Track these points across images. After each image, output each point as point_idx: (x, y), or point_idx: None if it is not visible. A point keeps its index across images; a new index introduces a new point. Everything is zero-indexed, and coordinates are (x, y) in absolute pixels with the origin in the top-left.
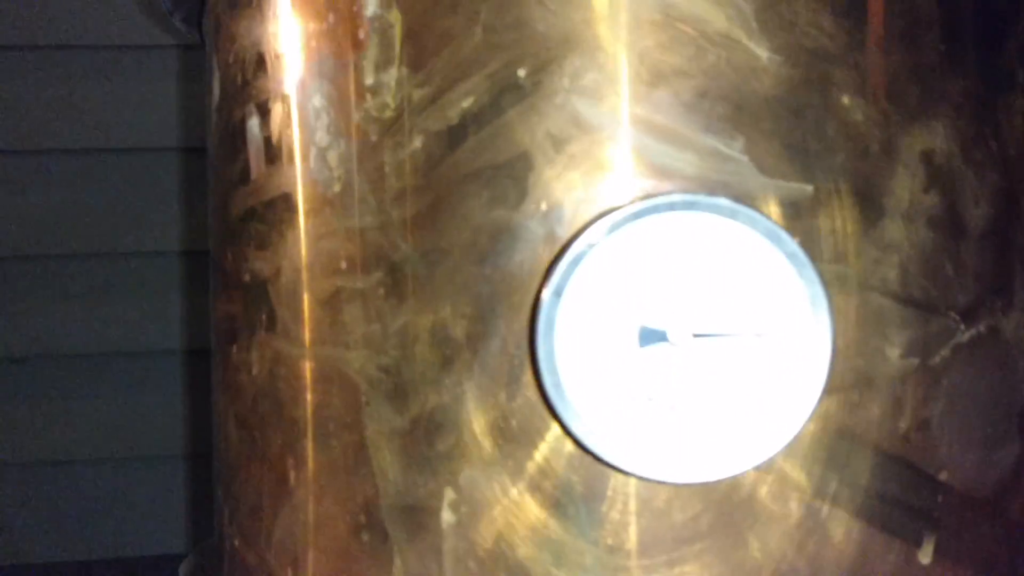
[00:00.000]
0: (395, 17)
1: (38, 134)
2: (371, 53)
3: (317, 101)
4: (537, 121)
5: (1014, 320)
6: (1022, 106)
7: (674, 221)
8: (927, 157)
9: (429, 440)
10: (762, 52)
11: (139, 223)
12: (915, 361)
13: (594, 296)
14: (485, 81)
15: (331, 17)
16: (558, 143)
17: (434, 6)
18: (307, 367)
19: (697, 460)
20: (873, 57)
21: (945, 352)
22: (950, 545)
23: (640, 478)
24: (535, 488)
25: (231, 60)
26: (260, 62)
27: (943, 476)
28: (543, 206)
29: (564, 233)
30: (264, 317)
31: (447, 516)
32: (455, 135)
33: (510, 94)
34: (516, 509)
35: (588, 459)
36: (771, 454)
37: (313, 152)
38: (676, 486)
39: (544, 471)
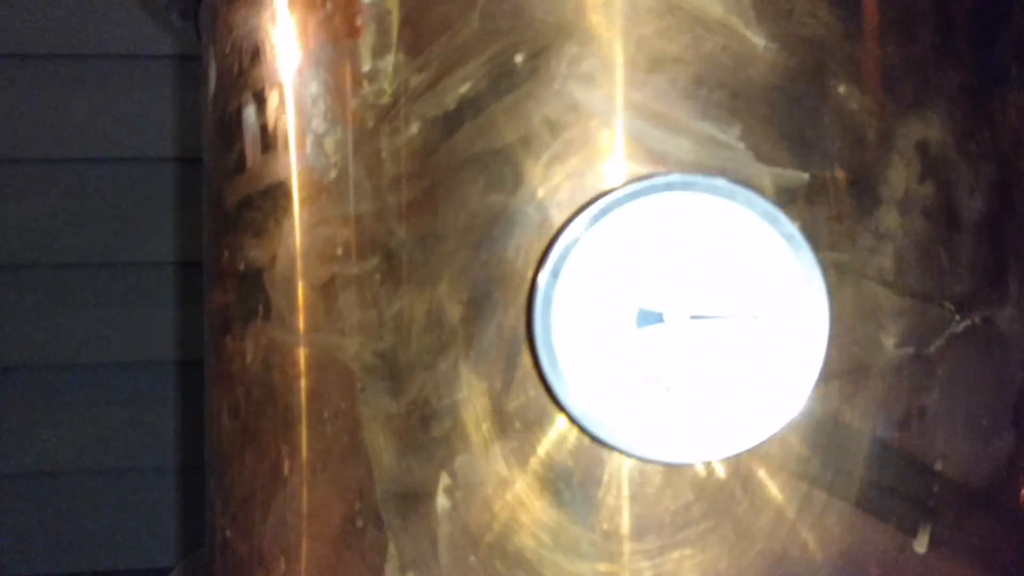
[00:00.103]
0: (392, 4)
1: (33, 143)
2: (368, 40)
3: (314, 88)
4: (534, 107)
5: (1008, 312)
6: (1016, 100)
7: (672, 202)
8: (922, 147)
9: (424, 425)
10: (759, 40)
11: (134, 233)
12: (910, 350)
13: (591, 277)
14: (482, 67)
15: (328, 5)
16: (555, 129)
17: None
18: (302, 354)
19: (693, 441)
20: (868, 47)
21: (940, 342)
22: (945, 534)
23: (637, 458)
24: (530, 473)
25: (227, 50)
26: (257, 51)
27: (938, 466)
28: (540, 192)
29: (560, 218)
30: (259, 306)
31: (442, 501)
32: (452, 121)
33: (507, 80)
34: (511, 494)
35: (583, 444)
36: (767, 435)
37: (309, 139)
38: (672, 469)
39: (539, 456)
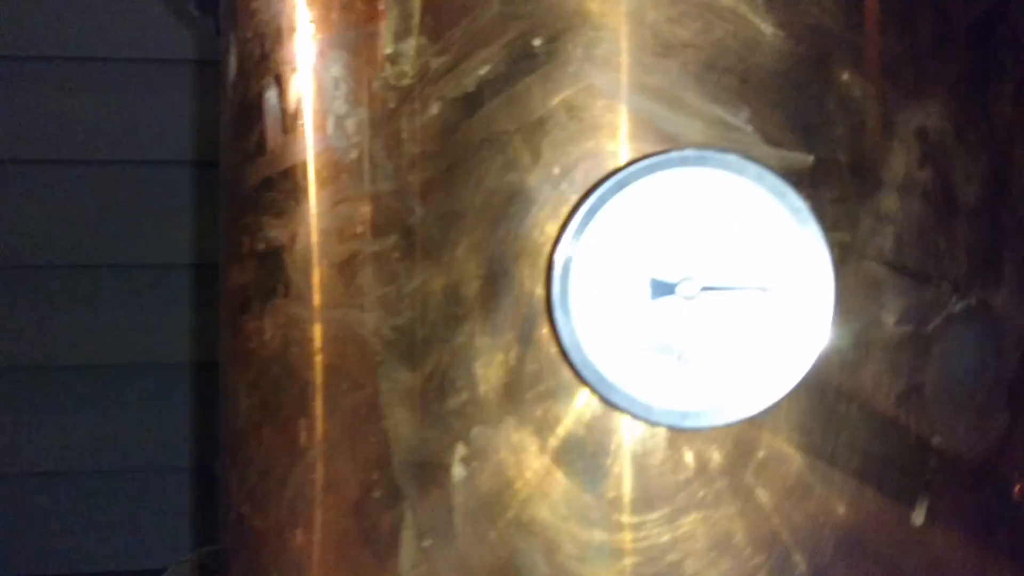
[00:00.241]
0: None
1: (52, 145)
2: (390, 24)
3: (336, 71)
4: (551, 88)
5: (1003, 295)
6: (1011, 92)
7: (686, 177)
8: (921, 134)
9: (441, 397)
10: (767, 28)
11: (151, 236)
12: (909, 328)
13: (608, 249)
14: (501, 50)
15: None
16: (571, 110)
17: None
18: (321, 330)
19: (703, 407)
20: (871, 37)
21: (938, 321)
22: (942, 507)
23: (650, 422)
24: (545, 443)
25: (249, 36)
26: (279, 35)
27: (936, 440)
28: (556, 170)
29: (575, 196)
30: (278, 284)
31: (458, 471)
32: (471, 102)
33: (525, 63)
34: (526, 463)
35: (597, 414)
36: (773, 402)
37: (331, 121)
38: (683, 437)
39: (553, 426)
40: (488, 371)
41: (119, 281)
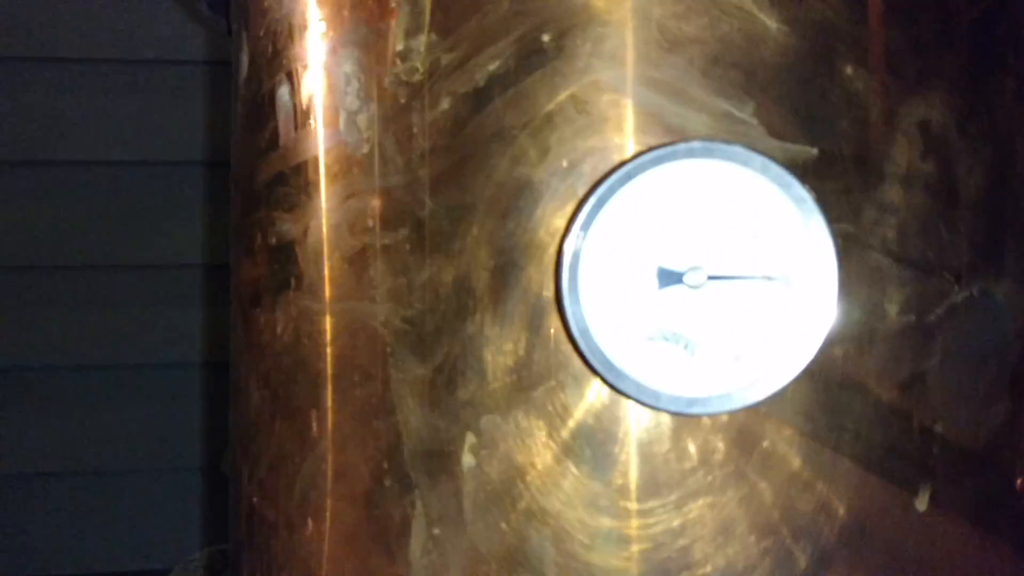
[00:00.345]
0: None
1: (63, 146)
2: (402, 20)
3: (348, 67)
4: (560, 84)
5: (1004, 286)
6: (1012, 86)
7: (693, 168)
8: (924, 126)
9: (451, 387)
10: (771, 23)
11: (163, 236)
12: (912, 318)
13: (616, 239)
14: (511, 46)
15: None
16: (579, 104)
17: None
18: (333, 322)
19: (710, 394)
20: (874, 31)
21: (940, 311)
22: (945, 494)
23: (658, 409)
24: (553, 431)
25: (262, 33)
26: (290, 33)
27: (938, 428)
28: (564, 163)
29: (584, 189)
30: (291, 277)
31: (468, 459)
32: (481, 97)
33: (534, 58)
34: (535, 451)
35: (605, 402)
36: (779, 389)
37: (343, 116)
38: (694, 425)
39: (562, 415)
40: (497, 361)
41: (131, 281)
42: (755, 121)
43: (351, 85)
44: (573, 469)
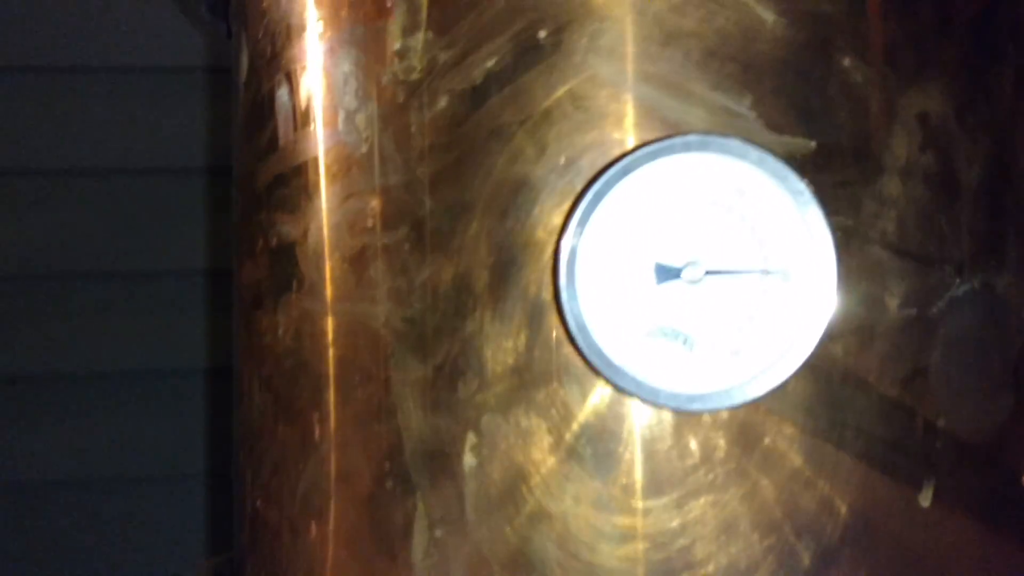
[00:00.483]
0: None
1: (65, 154)
2: (399, 19)
3: (346, 67)
4: (557, 80)
5: (1006, 278)
6: (1011, 77)
7: (688, 162)
8: (923, 118)
9: (452, 387)
10: (768, 15)
11: (164, 243)
12: (913, 311)
13: (614, 234)
14: (508, 43)
15: None
16: (577, 100)
17: None
18: (333, 323)
19: (710, 390)
20: (872, 22)
21: (941, 304)
22: (949, 489)
23: (657, 406)
24: (554, 430)
25: (261, 35)
26: (289, 34)
27: (941, 423)
28: (562, 160)
29: (581, 185)
30: (291, 279)
31: (469, 459)
32: (479, 94)
33: (531, 55)
34: (536, 450)
35: (605, 400)
36: (779, 384)
37: (341, 116)
38: (696, 421)
39: (563, 413)
40: (498, 360)
41: (133, 288)
42: (753, 114)
43: (349, 85)
44: (574, 467)
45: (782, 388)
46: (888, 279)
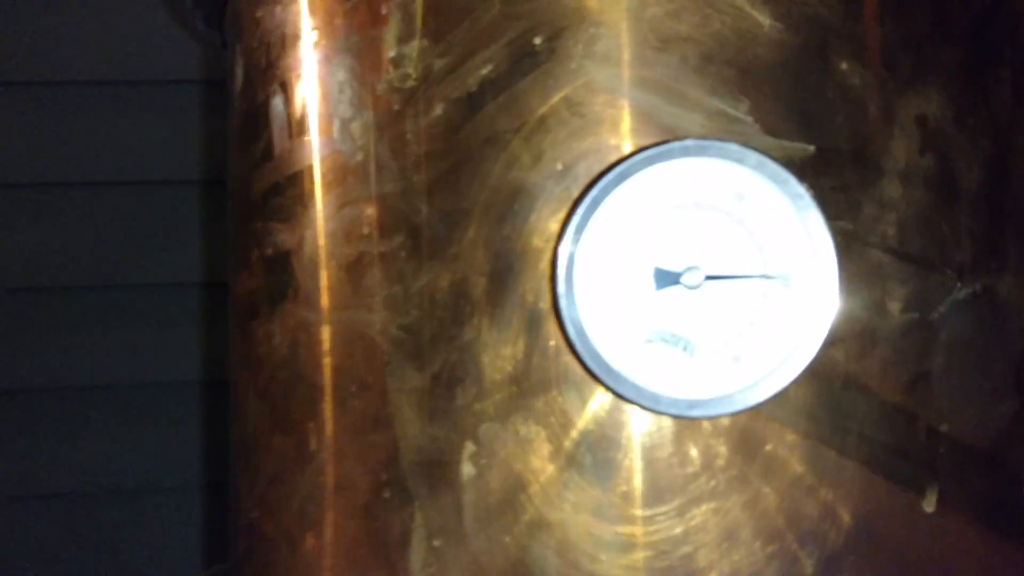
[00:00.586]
0: None
1: (62, 167)
2: (393, 28)
3: (341, 76)
4: (553, 86)
5: (1008, 281)
6: (1010, 79)
7: (686, 167)
8: (921, 121)
9: (449, 395)
10: (764, 20)
11: (160, 255)
12: (915, 316)
13: (612, 240)
14: (503, 50)
15: None
16: (573, 106)
17: None
18: (330, 332)
19: (711, 397)
20: (869, 26)
21: (943, 308)
22: (952, 495)
23: (658, 412)
24: (553, 438)
25: (255, 45)
26: (283, 43)
27: (944, 428)
28: (558, 166)
29: (579, 191)
30: (287, 288)
31: (467, 468)
32: (474, 101)
33: (527, 61)
34: (535, 458)
35: (604, 407)
36: (780, 390)
37: (337, 124)
38: (694, 429)
39: (562, 421)
40: (496, 368)
41: (129, 301)
42: (750, 119)
43: (344, 93)
44: (574, 476)
45: (783, 394)
46: (889, 283)
